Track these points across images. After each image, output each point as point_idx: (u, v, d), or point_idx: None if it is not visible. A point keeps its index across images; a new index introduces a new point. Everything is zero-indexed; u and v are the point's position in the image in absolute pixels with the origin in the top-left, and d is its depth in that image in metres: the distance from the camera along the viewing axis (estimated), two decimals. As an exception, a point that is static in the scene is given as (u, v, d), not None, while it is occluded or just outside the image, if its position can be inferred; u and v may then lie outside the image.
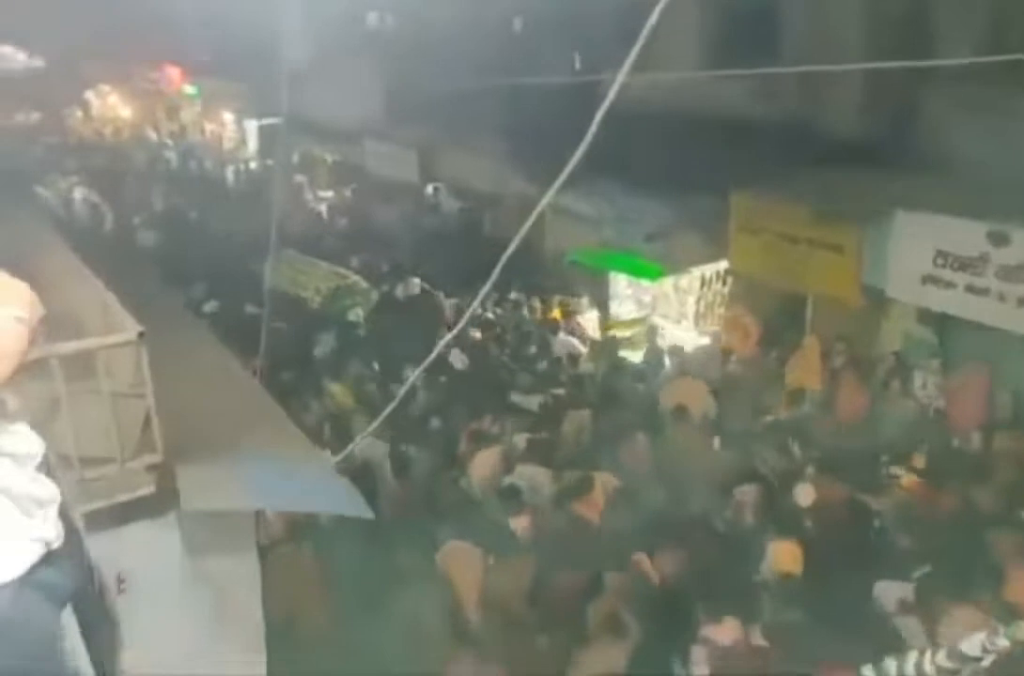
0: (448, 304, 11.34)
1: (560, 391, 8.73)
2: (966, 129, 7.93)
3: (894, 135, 8.58)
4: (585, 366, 9.58)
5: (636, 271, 10.51)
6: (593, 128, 2.34)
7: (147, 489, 3.45)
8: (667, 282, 10.85)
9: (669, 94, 10.40)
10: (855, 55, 9.08)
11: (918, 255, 7.88)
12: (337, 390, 8.74)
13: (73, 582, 1.57)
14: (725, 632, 4.67)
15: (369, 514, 4.20)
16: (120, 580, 3.34)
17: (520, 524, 6.00)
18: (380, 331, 10.45)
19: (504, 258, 2.75)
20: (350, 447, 5.21)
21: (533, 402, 8.34)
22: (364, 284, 11.77)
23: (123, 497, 3.42)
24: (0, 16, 22.34)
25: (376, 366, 9.33)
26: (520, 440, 7.31)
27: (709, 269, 10.62)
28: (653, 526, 5.93)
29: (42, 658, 1.45)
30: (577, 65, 18.42)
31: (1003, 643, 3.02)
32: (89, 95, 29.39)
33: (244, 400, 4.34)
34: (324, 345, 10.00)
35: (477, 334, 10.23)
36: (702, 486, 6.48)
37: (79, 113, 29.44)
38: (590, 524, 6.00)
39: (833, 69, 8.24)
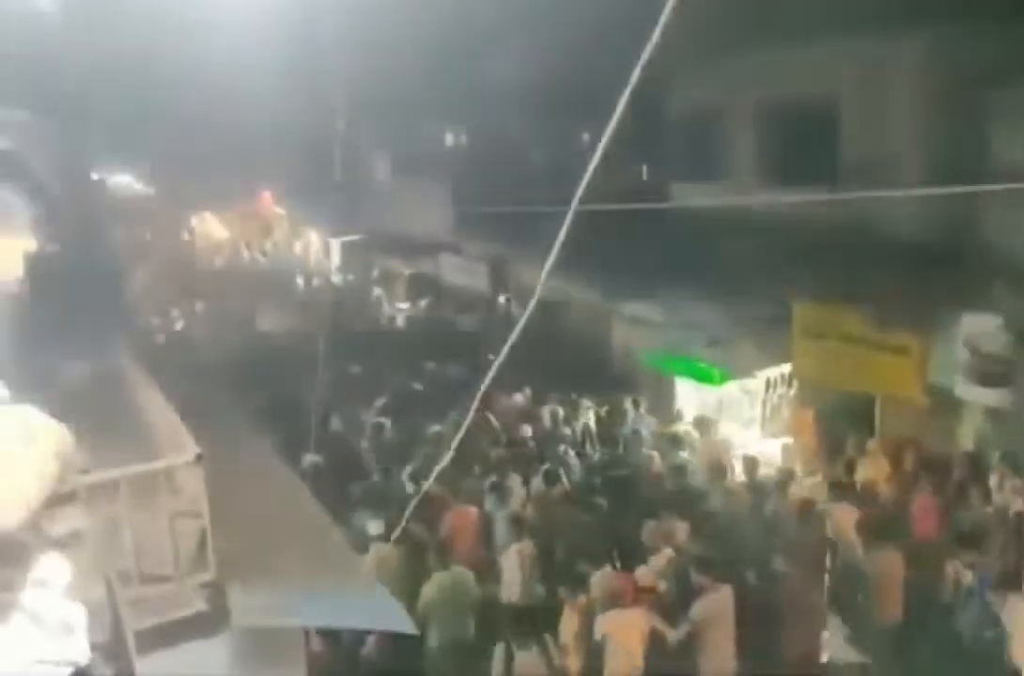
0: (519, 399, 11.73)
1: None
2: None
3: (955, 237, 8.64)
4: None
5: (700, 376, 10.54)
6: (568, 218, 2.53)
7: (200, 607, 3.52)
8: (733, 386, 10.82)
9: (729, 204, 10.74)
10: (911, 173, 9.33)
11: (986, 355, 7.77)
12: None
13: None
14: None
15: (412, 630, 4.25)
16: (177, 697, 3.50)
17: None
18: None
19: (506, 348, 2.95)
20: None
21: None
22: None
23: (178, 614, 3.48)
24: (121, 151, 24.96)
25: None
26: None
27: (773, 372, 10.58)
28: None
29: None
30: (644, 176, 19.14)
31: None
32: (193, 220, 31.75)
33: (295, 517, 4.46)
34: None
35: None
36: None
37: (185, 235, 31.73)
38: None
39: (889, 194, 8.53)
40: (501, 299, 16.73)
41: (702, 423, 10.34)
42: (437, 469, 4.66)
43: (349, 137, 6.01)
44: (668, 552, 6.92)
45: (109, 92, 16.82)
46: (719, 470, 8.57)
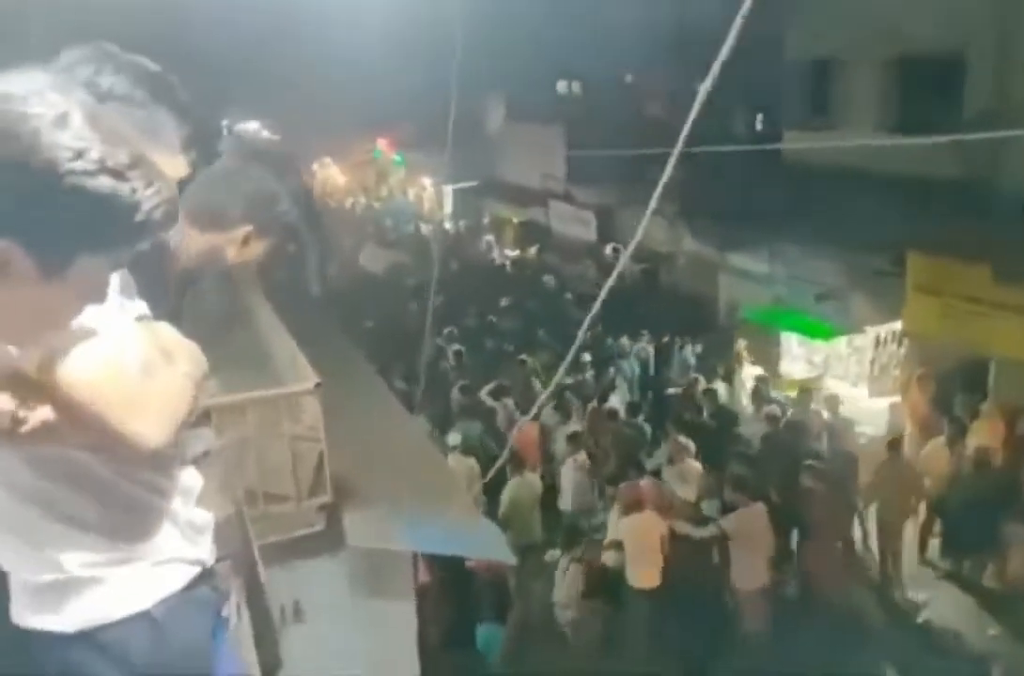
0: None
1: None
2: None
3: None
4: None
5: (808, 330, 10.36)
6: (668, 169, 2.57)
7: (319, 526, 3.73)
8: (841, 342, 10.58)
9: (846, 154, 10.35)
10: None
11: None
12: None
13: (225, 597, 1.81)
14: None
15: (512, 559, 4.50)
16: (298, 609, 3.68)
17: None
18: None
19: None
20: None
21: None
22: None
23: (299, 532, 3.75)
24: (249, 96, 25.76)
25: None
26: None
27: (884, 329, 10.28)
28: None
29: (194, 660, 1.66)
30: (759, 125, 18.50)
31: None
32: (315, 166, 32.61)
33: (406, 446, 4.69)
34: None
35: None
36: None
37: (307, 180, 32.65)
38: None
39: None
40: (608, 249, 16.71)
41: (738, 357, 10.98)
42: (541, 399, 4.93)
43: (463, 85, 6.11)
44: (695, 465, 7.84)
45: (239, 47, 17.41)
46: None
